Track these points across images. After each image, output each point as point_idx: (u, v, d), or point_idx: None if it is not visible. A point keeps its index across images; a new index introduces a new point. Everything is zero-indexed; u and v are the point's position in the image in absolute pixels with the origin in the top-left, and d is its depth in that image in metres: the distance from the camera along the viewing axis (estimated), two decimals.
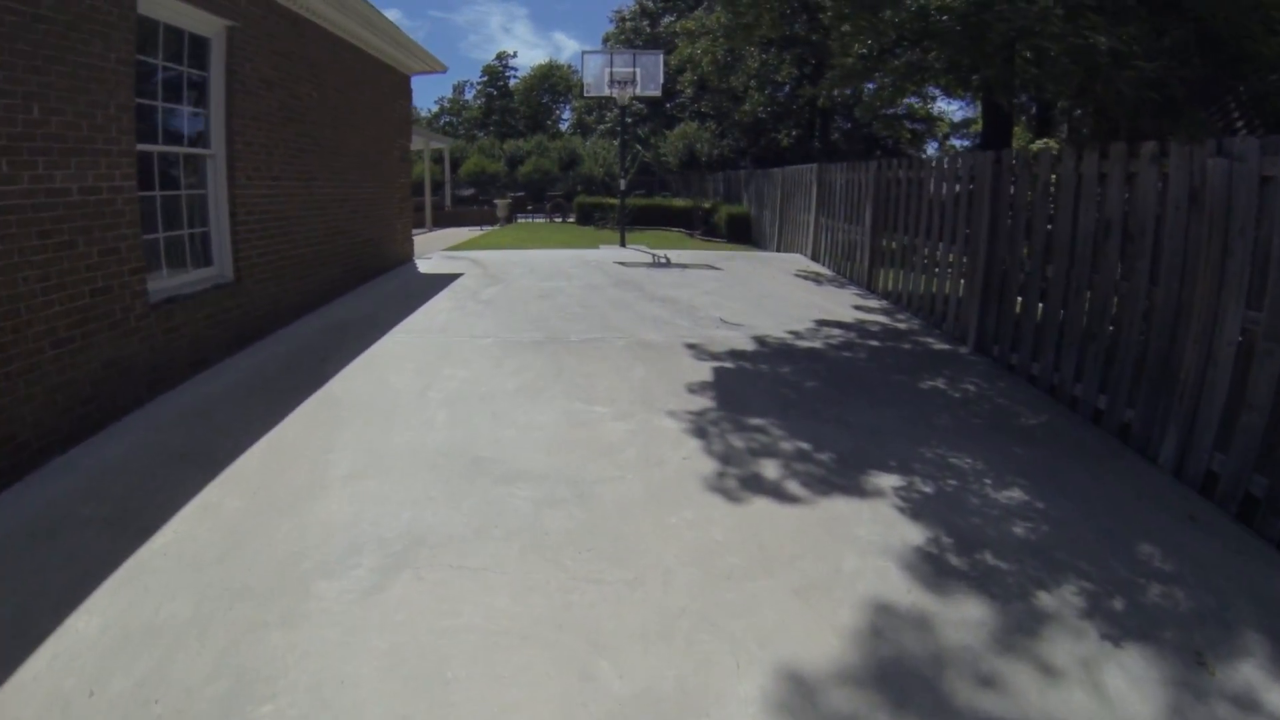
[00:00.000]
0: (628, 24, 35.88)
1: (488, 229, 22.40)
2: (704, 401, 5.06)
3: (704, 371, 5.75)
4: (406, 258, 12.37)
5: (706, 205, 22.49)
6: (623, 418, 4.76)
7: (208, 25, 6.33)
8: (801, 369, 5.91)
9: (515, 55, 76.14)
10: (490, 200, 26.10)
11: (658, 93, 14.12)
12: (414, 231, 22.97)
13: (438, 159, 39.58)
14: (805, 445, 4.35)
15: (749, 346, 6.55)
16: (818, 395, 5.29)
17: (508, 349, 6.41)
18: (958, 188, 7.35)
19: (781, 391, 5.34)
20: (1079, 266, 5.21)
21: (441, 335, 7.00)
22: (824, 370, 5.90)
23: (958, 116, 35.91)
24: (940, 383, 5.75)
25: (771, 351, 6.43)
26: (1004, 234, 6.44)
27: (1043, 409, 5.17)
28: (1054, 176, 5.70)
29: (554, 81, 69.15)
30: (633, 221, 22.22)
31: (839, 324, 7.69)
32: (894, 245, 9.12)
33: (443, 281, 10.10)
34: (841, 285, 10.32)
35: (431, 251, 14.02)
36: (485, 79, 72.44)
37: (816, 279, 10.81)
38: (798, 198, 13.96)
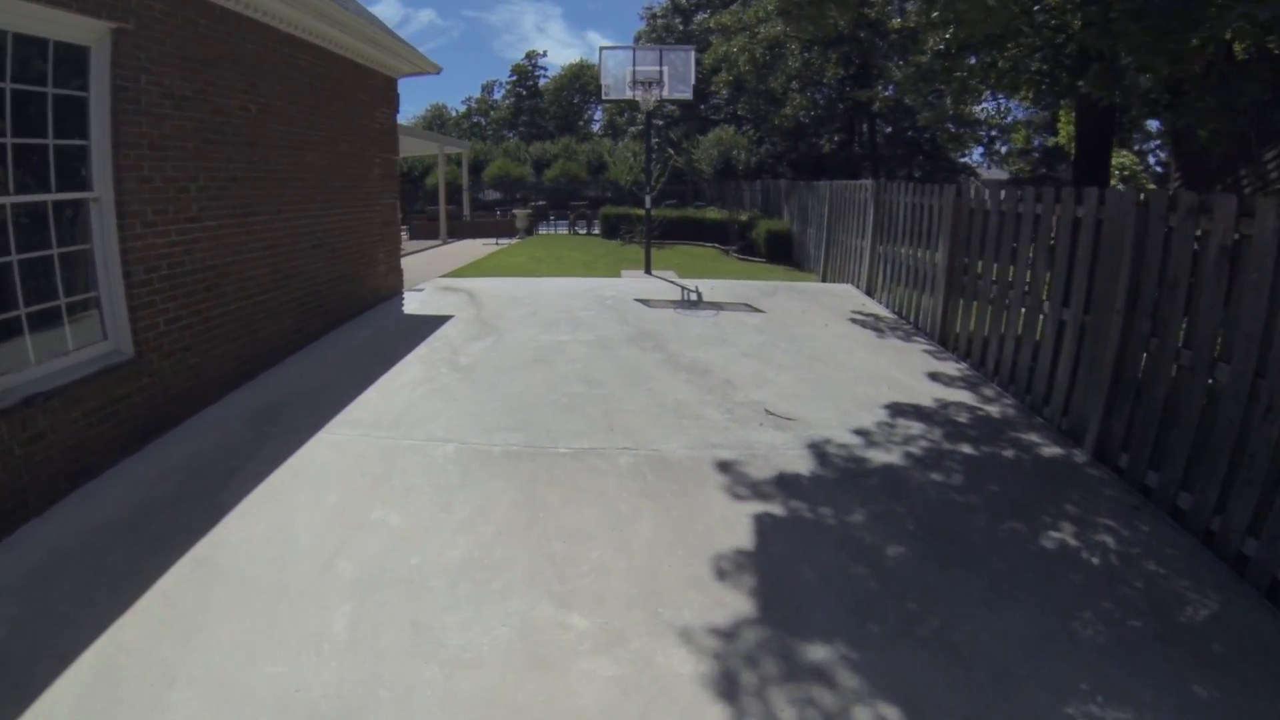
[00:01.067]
0: (659, 21, 34.15)
1: (504, 243, 20.76)
2: (738, 601, 3.27)
3: (741, 525, 3.94)
4: (392, 291, 10.72)
5: (743, 218, 20.64)
6: (610, 645, 2.99)
7: (83, 31, 4.68)
8: (879, 514, 4.08)
9: (545, 54, 74.92)
10: (513, 208, 24.49)
11: (688, 95, 12.29)
12: (427, 245, 21.66)
13: (457, 163, 38.20)
14: (897, 713, 2.57)
15: (804, 466, 4.72)
16: (907, 578, 3.47)
17: (470, 467, 4.66)
18: (1074, 227, 5.46)
19: (854, 571, 3.53)
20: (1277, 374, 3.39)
21: (391, 433, 5.28)
22: (910, 516, 4.07)
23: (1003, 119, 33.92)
24: (1068, 534, 3.91)
25: (836, 476, 4.60)
26: (1149, 305, 4.57)
27: (1207, 580, 3.48)
28: (1238, 234, 3.84)
29: (585, 81, 67.56)
30: (662, 235, 20.46)
31: (917, 410, 5.85)
32: (977, 293, 7.26)
33: (424, 329, 8.42)
34: (907, 336, 8.45)
35: (429, 278, 12.38)
36: (514, 78, 71.11)
37: (876, 325, 8.94)
38: (850, 218, 12.08)
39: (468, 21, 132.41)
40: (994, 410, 5.97)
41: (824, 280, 13.59)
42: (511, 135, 71.20)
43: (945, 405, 6.03)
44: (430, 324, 8.75)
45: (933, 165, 34.86)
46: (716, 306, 9.63)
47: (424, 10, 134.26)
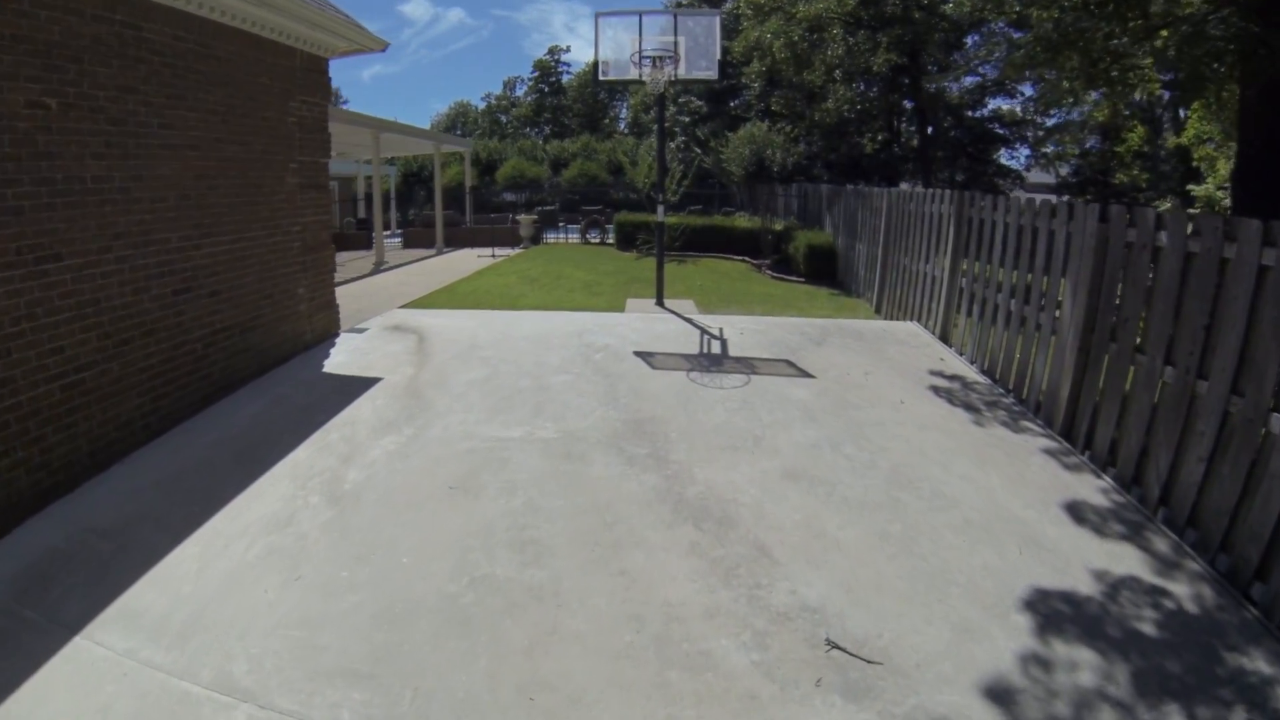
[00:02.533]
0: (682, 2, 31.45)
1: (504, 254, 18.36)
2: None
3: None
4: (322, 336, 8.33)
5: (777, 227, 18.01)
6: None
7: None
8: None
9: (569, 50, 72.67)
10: (517, 214, 22.08)
11: (712, 73, 9.68)
12: (417, 256, 19.30)
13: (473, 163, 36.05)
14: None
15: None
16: None
17: None
18: None
19: None
20: None
21: (168, 656, 2.93)
22: None
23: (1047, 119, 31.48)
24: None
25: None
26: None
27: None
28: None
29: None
30: (685, 246, 17.94)
31: (1072, 606, 3.35)
32: (1134, 367, 4.71)
33: (332, 403, 6.03)
34: (1013, 419, 5.88)
35: (386, 309, 10.02)
36: (536, 75, 68.97)
37: (967, 399, 6.36)
38: (916, 237, 9.49)
39: (497, 21, 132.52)
40: (1184, 593, 3.44)
41: (879, 312, 11.01)
42: (532, 133, 69.26)
43: (1112, 588, 3.51)
44: (346, 392, 6.33)
45: (979, 168, 32.06)
46: (747, 367, 7.08)
47: (453, 9, 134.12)
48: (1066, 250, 5.77)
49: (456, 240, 21.56)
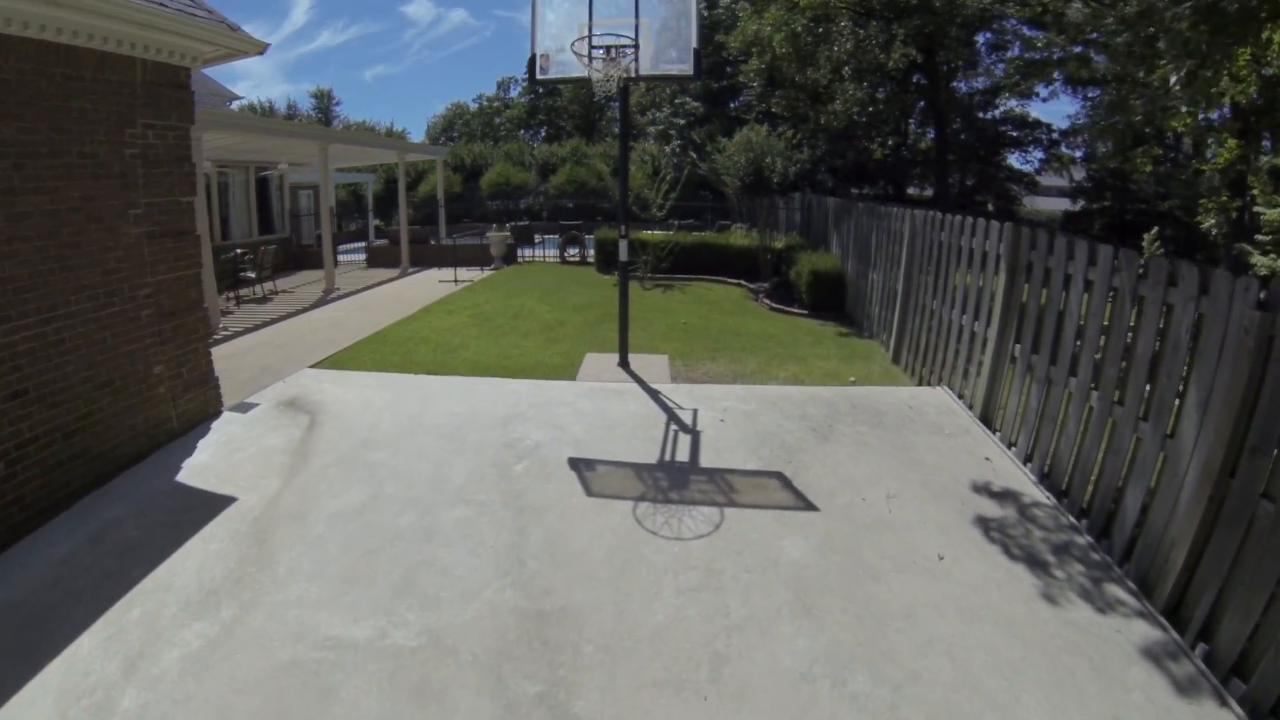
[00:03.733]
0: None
1: (469, 278, 16.60)
2: None
3: None
4: (194, 420, 6.67)
5: (777, 245, 16.19)
6: None
7: None
8: None
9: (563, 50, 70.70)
10: (489, 229, 20.29)
11: (686, 69, 7.58)
12: (378, 279, 17.40)
13: (454, 169, 34.33)
14: None
15: None
16: None
17: None
18: None
19: None
20: None
21: None
22: None
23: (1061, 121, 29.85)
24: None
25: None
26: None
27: None
28: None
29: None
30: (675, 268, 16.15)
31: None
32: None
33: (152, 551, 4.32)
34: (1096, 586, 4.08)
35: (293, 370, 8.32)
36: (529, 75, 66.68)
37: (1027, 545, 4.54)
38: (949, 276, 7.73)
39: (500, 21, 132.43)
40: None
41: (897, 362, 9.21)
42: (526, 135, 67.48)
43: None
44: (183, 523, 4.68)
45: (990, 171, 30.32)
46: (723, 489, 5.25)
47: (456, 10, 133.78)
48: (1194, 340, 3.98)
49: (425, 259, 19.79)
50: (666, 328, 11.09)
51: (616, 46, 7.17)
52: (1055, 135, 29.98)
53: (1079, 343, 5.15)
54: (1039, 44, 17.68)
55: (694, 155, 29.55)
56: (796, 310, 12.70)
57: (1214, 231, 12.67)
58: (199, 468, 5.73)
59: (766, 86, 22.02)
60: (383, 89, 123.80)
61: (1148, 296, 4.40)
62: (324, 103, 70.03)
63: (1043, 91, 28.62)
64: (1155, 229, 20.57)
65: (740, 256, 16.36)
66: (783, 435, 6.15)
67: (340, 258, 23.34)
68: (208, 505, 5.01)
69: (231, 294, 14.95)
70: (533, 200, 34.09)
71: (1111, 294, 4.77)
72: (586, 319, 11.53)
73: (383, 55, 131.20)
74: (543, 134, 66.04)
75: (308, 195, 28.39)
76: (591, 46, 7.18)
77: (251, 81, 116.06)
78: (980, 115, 26.90)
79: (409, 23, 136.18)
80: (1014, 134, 29.62)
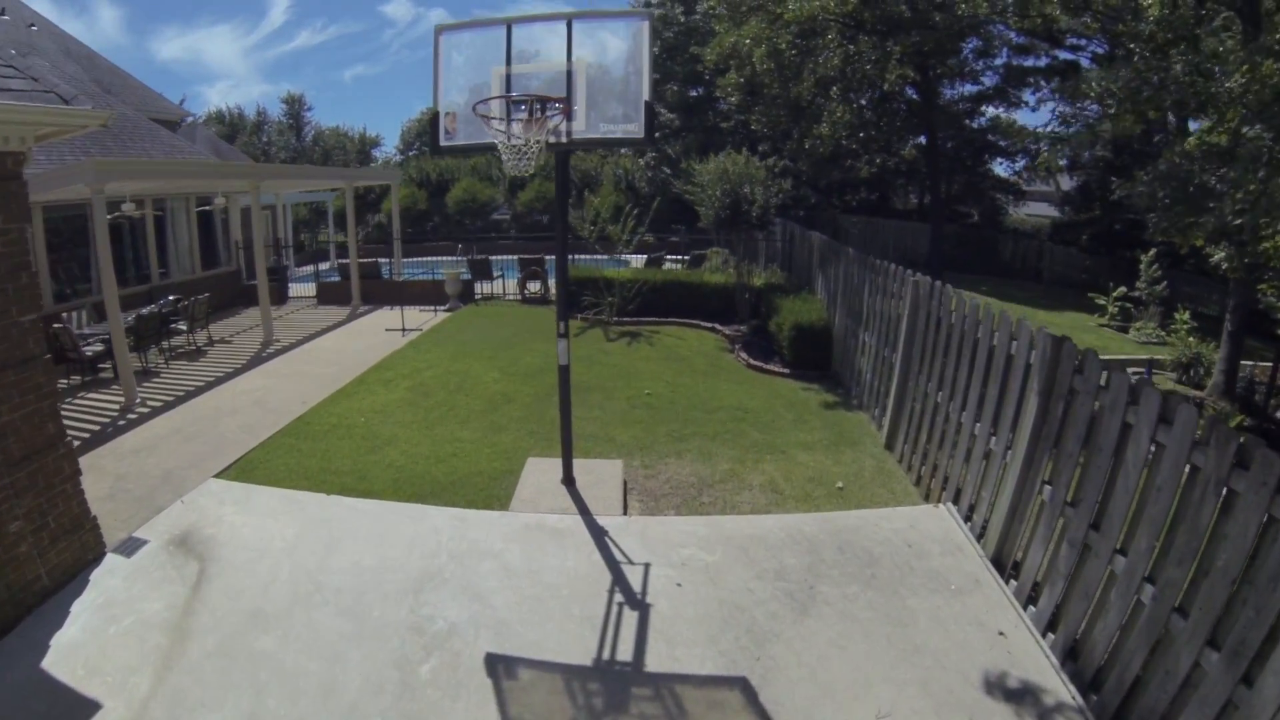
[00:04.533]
0: (655, 10, 28.48)
1: (419, 323, 15.38)
2: None
3: None
4: (72, 569, 5.72)
5: (757, 282, 15.06)
6: None
7: None
8: None
9: (538, 55, 69.47)
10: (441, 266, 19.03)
11: (636, 130, 5.98)
12: (321, 323, 16.22)
13: (407, 183, 33.09)
14: None
15: None
16: None
17: None
18: None
19: None
20: None
21: None
22: None
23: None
24: None
25: None
26: None
27: None
28: None
29: None
30: (642, 309, 14.99)
31: None
32: None
33: None
34: None
35: (193, 486, 7.14)
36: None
37: None
38: (960, 369, 6.61)
39: None
40: None
41: (891, 449, 8.13)
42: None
43: None
44: None
45: (975, 180, 29.34)
46: (672, 710, 4.14)
47: (435, 9, 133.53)
48: None
49: (378, 295, 18.52)
50: (627, 402, 9.91)
51: (541, 100, 5.74)
52: (1044, 145, 29.13)
53: (1132, 514, 4.03)
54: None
55: (668, 170, 28.40)
56: (777, 369, 11.55)
57: (1225, 265, 11.55)
58: (68, 648, 4.68)
59: (747, 98, 20.72)
60: (362, 89, 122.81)
61: (1243, 495, 3.26)
62: (295, 108, 68.40)
63: (1030, 99, 27.70)
64: (1153, 251, 19.65)
65: (715, 295, 15.21)
66: (752, 609, 4.98)
67: (295, 285, 22.15)
68: (69, 716, 3.92)
69: (165, 344, 13.83)
70: (497, 222, 32.89)
71: (1188, 469, 3.65)
72: (537, 390, 10.32)
73: (361, 55, 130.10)
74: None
75: (266, 216, 27.08)
76: (512, 104, 5.76)
77: (229, 82, 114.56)
78: (967, 123, 25.92)
79: (388, 22, 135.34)
80: (1001, 142, 28.65)
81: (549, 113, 5.72)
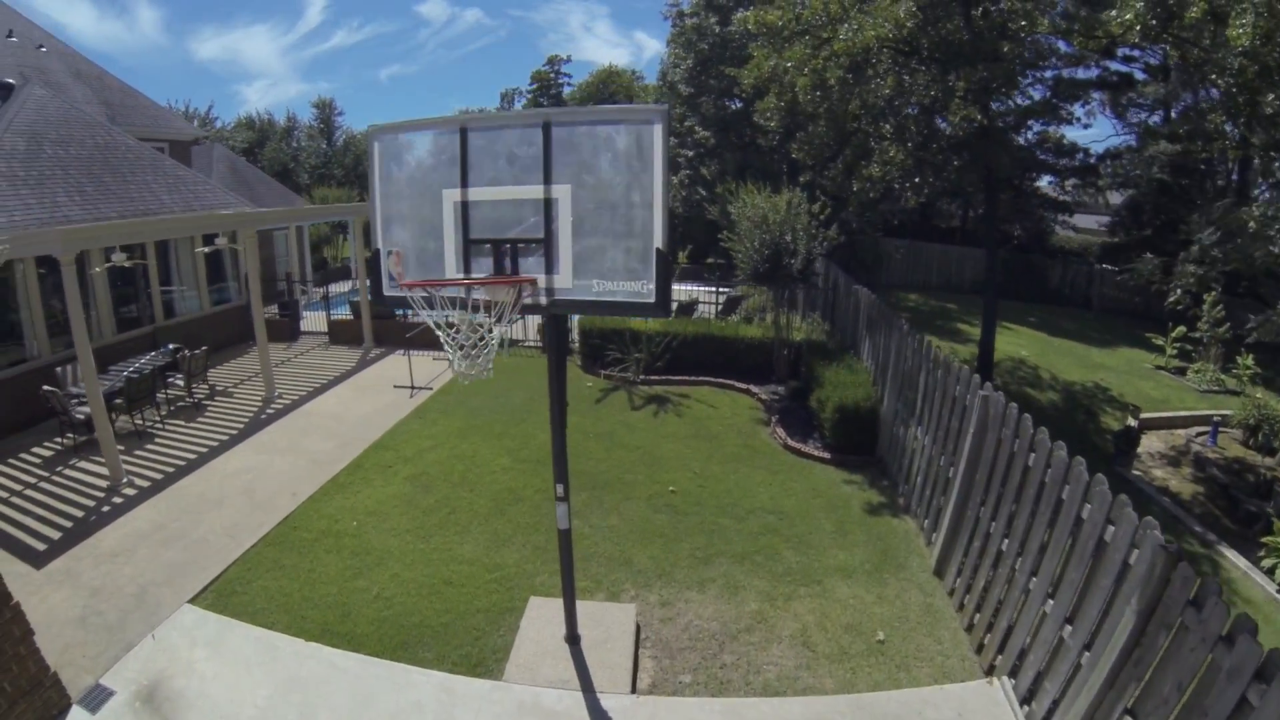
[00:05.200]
0: (688, 21, 27.58)
1: (433, 378, 14.89)
2: None
3: None
4: None
5: (796, 337, 14.34)
6: None
7: None
8: None
9: (569, 60, 70.09)
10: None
11: (645, 292, 4.54)
12: (332, 373, 15.69)
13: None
14: None
15: None
16: None
17: None
18: None
19: None
20: None
21: None
22: None
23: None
24: None
25: None
26: None
27: None
28: None
29: (614, 90, 61.40)
30: (672, 366, 14.36)
31: None
32: None
33: None
34: None
35: (166, 613, 6.72)
36: (535, 87, 65.66)
37: None
38: (1036, 524, 5.89)
39: (514, 21, 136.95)
40: None
41: (941, 576, 7.47)
42: None
43: None
44: None
45: (1020, 201, 28.17)
46: None
47: (470, 9, 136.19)
48: None
49: (392, 337, 18.10)
50: (649, 503, 9.26)
51: (512, 244, 4.67)
52: (1093, 159, 27.84)
53: None
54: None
55: (702, 192, 27.53)
56: (816, 452, 10.82)
57: None
58: None
59: (787, 120, 19.61)
60: (398, 89, 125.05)
61: None
62: (325, 113, 69.06)
63: (1079, 113, 26.41)
64: (1215, 291, 18.37)
65: (751, 352, 14.52)
66: None
67: (312, 313, 21.93)
68: None
69: (163, 396, 13.84)
70: None
71: None
72: (549, 484, 9.64)
73: (397, 55, 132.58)
74: None
75: (281, 237, 26.85)
76: (468, 247, 4.74)
77: (267, 81, 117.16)
78: (1013, 137, 24.64)
79: (423, 22, 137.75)
80: (1050, 159, 27.40)
81: (524, 253, 4.72)
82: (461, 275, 4.77)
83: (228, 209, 18.26)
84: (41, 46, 23.14)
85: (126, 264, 14.47)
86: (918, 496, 8.72)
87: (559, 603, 6.62)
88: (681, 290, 23.70)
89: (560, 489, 5.71)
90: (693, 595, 7.29)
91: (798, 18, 16.00)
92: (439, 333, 4.70)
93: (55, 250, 9.63)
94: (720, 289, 19.44)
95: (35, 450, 12.19)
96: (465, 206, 4.80)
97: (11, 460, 11.82)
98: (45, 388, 11.99)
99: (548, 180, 4.62)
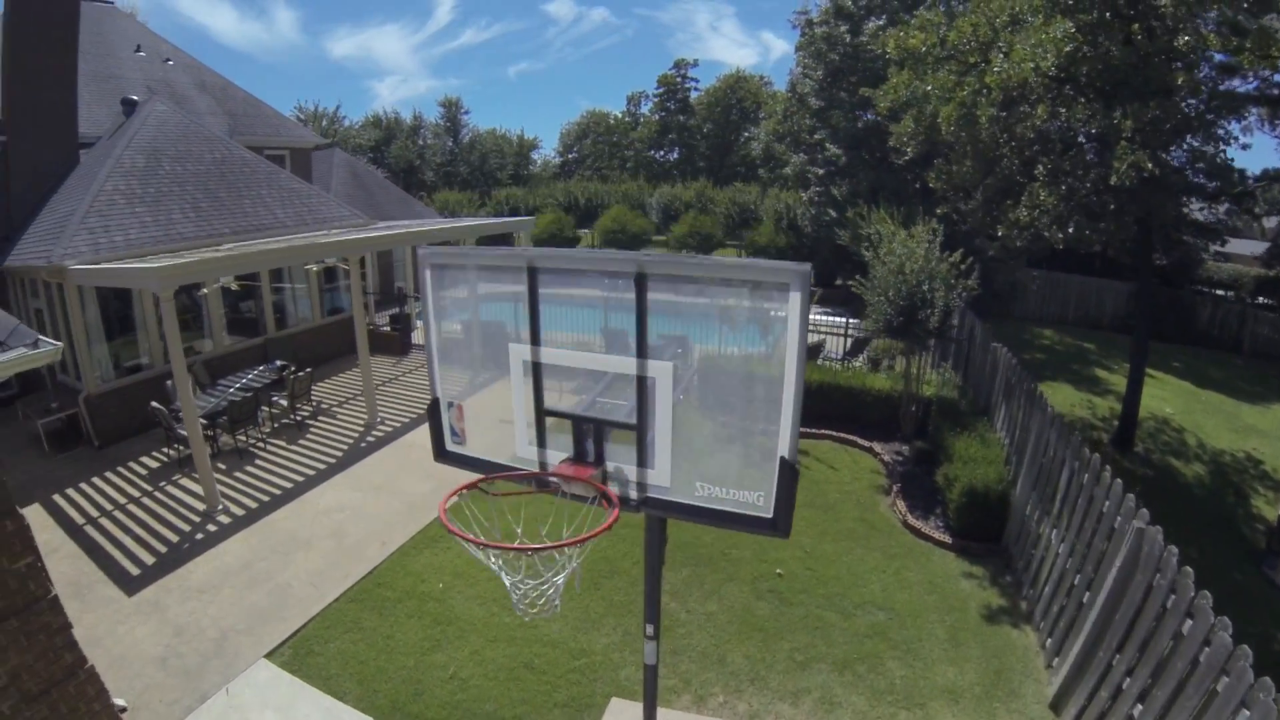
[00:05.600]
0: (817, 30, 26.49)
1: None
2: None
3: None
4: None
5: (927, 391, 13.57)
6: None
7: None
8: None
9: (696, 64, 69.92)
10: None
11: (764, 509, 3.73)
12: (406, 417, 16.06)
13: (553, 207, 33.20)
14: None
15: None
16: None
17: None
18: None
19: None
20: None
21: None
22: None
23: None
24: None
25: None
26: None
27: None
28: None
29: (741, 96, 61.02)
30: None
31: None
32: None
33: None
34: None
35: (236, 674, 6.78)
36: (661, 91, 65.98)
37: None
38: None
39: (641, 20, 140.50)
40: None
41: (1056, 710, 6.71)
42: (657, 156, 66.33)
43: None
44: None
45: (1166, 224, 25.81)
46: None
47: (597, 9, 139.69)
48: None
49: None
50: (752, 587, 8.76)
51: (596, 425, 4.02)
52: (1250, 180, 25.35)
53: None
54: None
55: (831, 213, 26.48)
56: (937, 534, 10.09)
57: None
58: None
59: (922, 145, 18.35)
60: (526, 84, 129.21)
61: None
62: (452, 111, 71.31)
63: (1235, 129, 23.92)
64: None
65: (877, 405, 13.80)
66: None
67: (420, 322, 22.17)
68: None
69: (266, 413, 14.39)
70: (649, 251, 32.29)
71: None
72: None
73: (525, 53, 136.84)
74: (675, 155, 64.74)
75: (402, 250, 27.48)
76: (540, 420, 4.14)
77: (398, 77, 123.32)
78: (1161, 154, 22.59)
79: (550, 21, 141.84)
80: (1203, 182, 25.02)
81: (607, 452, 4.01)
82: (533, 451, 4.17)
83: (340, 223, 18.73)
84: (168, 60, 24.39)
85: (235, 287, 14.99)
86: (1043, 608, 7.93)
87: (639, 708, 6.25)
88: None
89: (650, 629, 5.25)
90: (784, 709, 6.79)
91: (942, 41, 15.07)
92: (496, 568, 3.79)
93: (153, 287, 9.90)
94: (849, 322, 18.73)
95: (144, 459, 12.79)
96: (537, 368, 4.07)
97: (121, 468, 12.40)
98: (153, 404, 12.44)
99: (642, 353, 3.74)
